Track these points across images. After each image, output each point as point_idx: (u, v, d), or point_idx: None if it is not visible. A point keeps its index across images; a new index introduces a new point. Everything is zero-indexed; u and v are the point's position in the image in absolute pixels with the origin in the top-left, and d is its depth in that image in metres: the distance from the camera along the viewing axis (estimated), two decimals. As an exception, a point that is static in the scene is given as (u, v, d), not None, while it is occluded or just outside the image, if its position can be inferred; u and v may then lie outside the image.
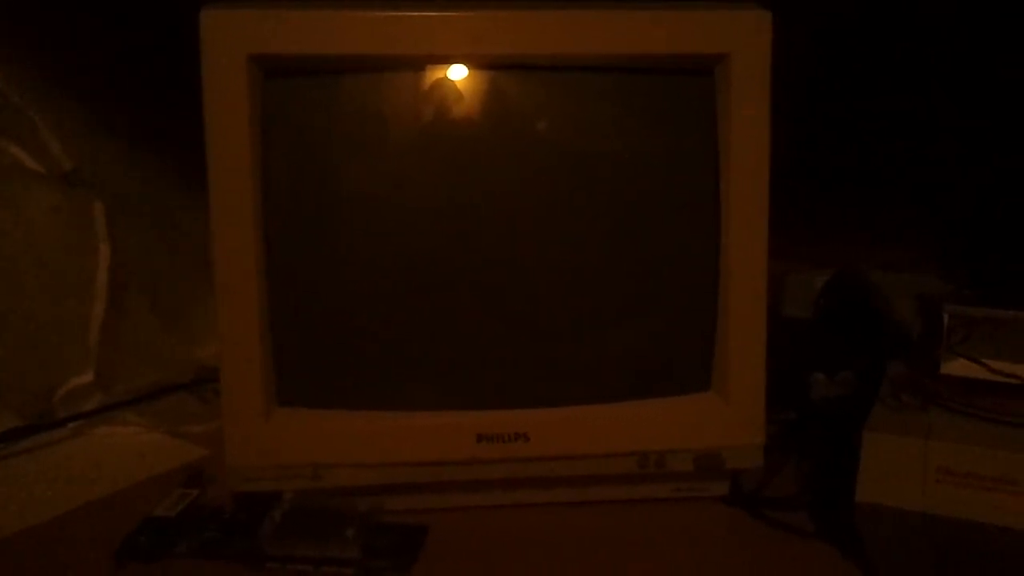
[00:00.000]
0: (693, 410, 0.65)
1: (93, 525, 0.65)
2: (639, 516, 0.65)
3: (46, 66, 0.81)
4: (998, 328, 0.61)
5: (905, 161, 0.85)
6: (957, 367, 0.60)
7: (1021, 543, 0.52)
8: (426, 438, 0.63)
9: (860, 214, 0.86)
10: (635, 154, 0.63)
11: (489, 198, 0.63)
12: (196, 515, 0.64)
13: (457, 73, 0.61)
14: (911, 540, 0.55)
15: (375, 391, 0.64)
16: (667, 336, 0.65)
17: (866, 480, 0.55)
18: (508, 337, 0.64)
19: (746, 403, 0.64)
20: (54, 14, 0.80)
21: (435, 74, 0.61)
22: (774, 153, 0.61)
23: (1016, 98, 0.80)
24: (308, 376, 0.64)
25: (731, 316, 0.63)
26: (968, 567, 0.54)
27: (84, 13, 0.81)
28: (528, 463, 0.64)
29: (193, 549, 0.60)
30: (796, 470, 0.70)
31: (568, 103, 0.63)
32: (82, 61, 0.82)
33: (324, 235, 0.62)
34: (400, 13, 0.59)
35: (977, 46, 0.80)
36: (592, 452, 0.64)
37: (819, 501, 0.65)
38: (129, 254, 0.85)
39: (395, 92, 0.61)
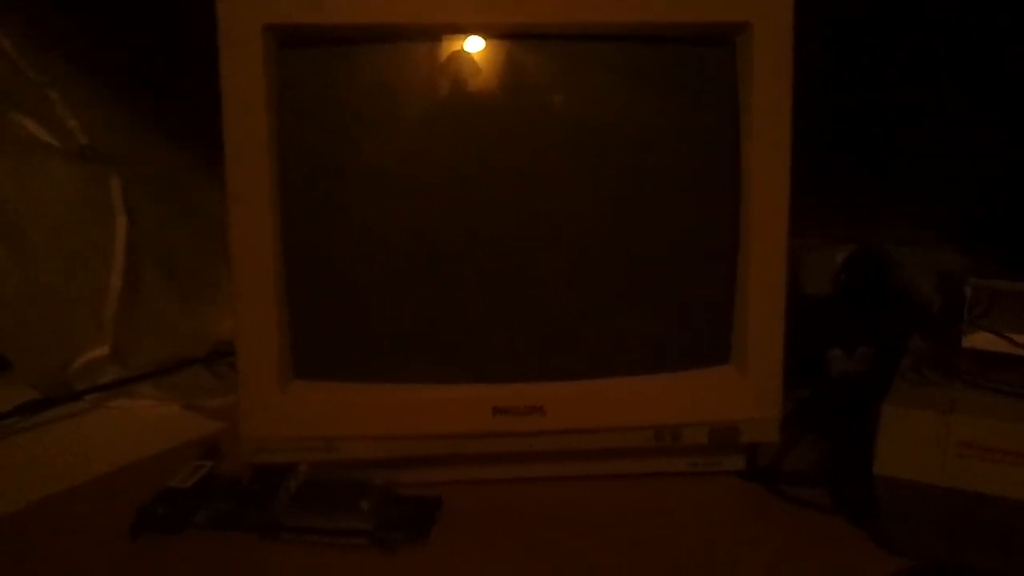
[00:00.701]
0: (710, 383, 0.64)
1: (109, 496, 0.65)
2: (655, 490, 0.65)
3: (63, 41, 0.81)
4: (1020, 301, 0.60)
5: (924, 135, 0.84)
6: (979, 340, 0.60)
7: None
8: (442, 411, 0.63)
9: (878, 189, 0.85)
10: (654, 126, 0.63)
11: (506, 171, 0.63)
12: (212, 486, 0.64)
13: (473, 44, 0.60)
14: (930, 514, 0.54)
15: (391, 364, 0.64)
16: (685, 309, 0.65)
17: (885, 454, 0.55)
18: (524, 310, 0.64)
19: (764, 377, 0.64)
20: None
21: (451, 44, 0.60)
22: (793, 129, 0.61)
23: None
24: (323, 349, 0.64)
25: (750, 289, 0.63)
26: (987, 541, 0.54)
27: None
28: (544, 436, 0.64)
29: (209, 520, 0.61)
30: (813, 446, 0.70)
31: (586, 74, 0.62)
32: (99, 36, 0.82)
33: (340, 207, 0.62)
34: (417, -19, 0.58)
35: (992, 23, 0.79)
36: (608, 425, 0.64)
37: (837, 475, 0.65)
38: (145, 228, 0.85)
39: (410, 63, 0.61)
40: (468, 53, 0.60)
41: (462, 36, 0.60)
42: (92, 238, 0.83)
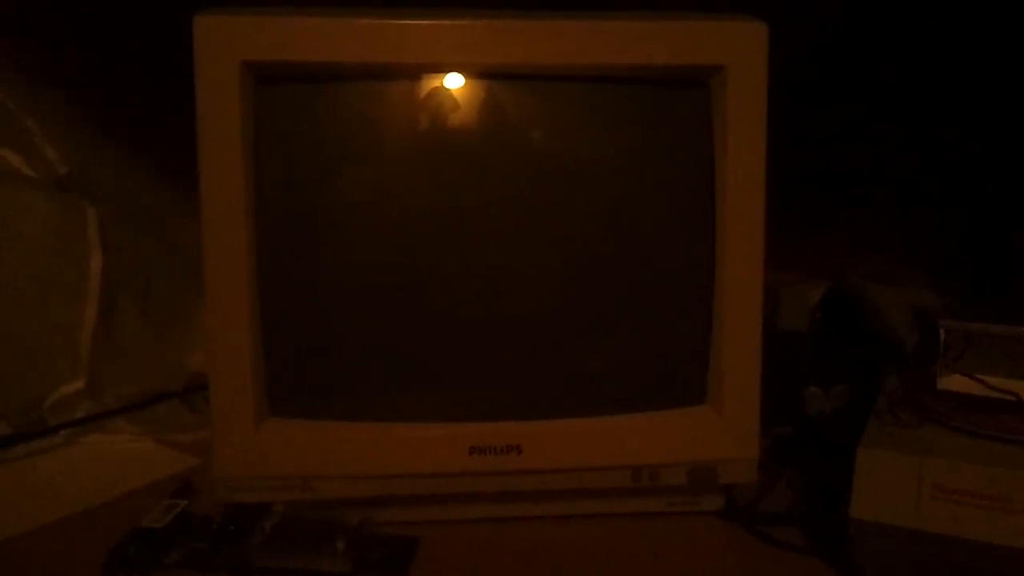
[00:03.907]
0: (687, 423, 0.64)
1: (81, 535, 0.64)
2: (632, 530, 0.65)
3: (41, 72, 0.80)
4: (995, 343, 0.60)
5: (901, 173, 0.85)
6: (954, 383, 0.60)
7: (1016, 561, 0.52)
8: (418, 450, 0.63)
9: (855, 226, 0.86)
10: (630, 165, 0.63)
11: (482, 208, 0.63)
12: (185, 526, 0.63)
13: (452, 82, 0.61)
14: (905, 557, 0.54)
15: (367, 402, 0.63)
16: (662, 349, 0.65)
17: (860, 496, 0.55)
18: (501, 348, 0.64)
19: (740, 417, 0.64)
20: (50, 20, 0.80)
21: (430, 83, 0.61)
22: (768, 164, 0.61)
23: (1010, 110, 0.80)
24: (299, 386, 0.63)
25: (726, 329, 0.63)
26: (963, 585, 0.54)
27: (80, 19, 0.81)
28: (520, 476, 0.63)
29: (182, 560, 0.60)
30: (790, 485, 0.70)
31: (564, 113, 0.62)
32: (78, 67, 0.82)
33: (316, 244, 0.62)
34: (396, 21, 0.58)
35: (971, 58, 0.80)
36: (585, 465, 0.63)
37: (813, 516, 0.65)
38: (121, 261, 0.84)
39: (389, 100, 0.61)
40: (447, 90, 0.61)
41: (441, 74, 0.60)
42: (68, 270, 0.82)
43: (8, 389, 0.81)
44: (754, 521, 0.65)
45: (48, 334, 0.82)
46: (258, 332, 0.61)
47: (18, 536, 0.64)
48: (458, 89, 0.61)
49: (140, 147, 0.85)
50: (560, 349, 0.64)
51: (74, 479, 0.74)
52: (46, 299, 0.82)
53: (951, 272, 0.76)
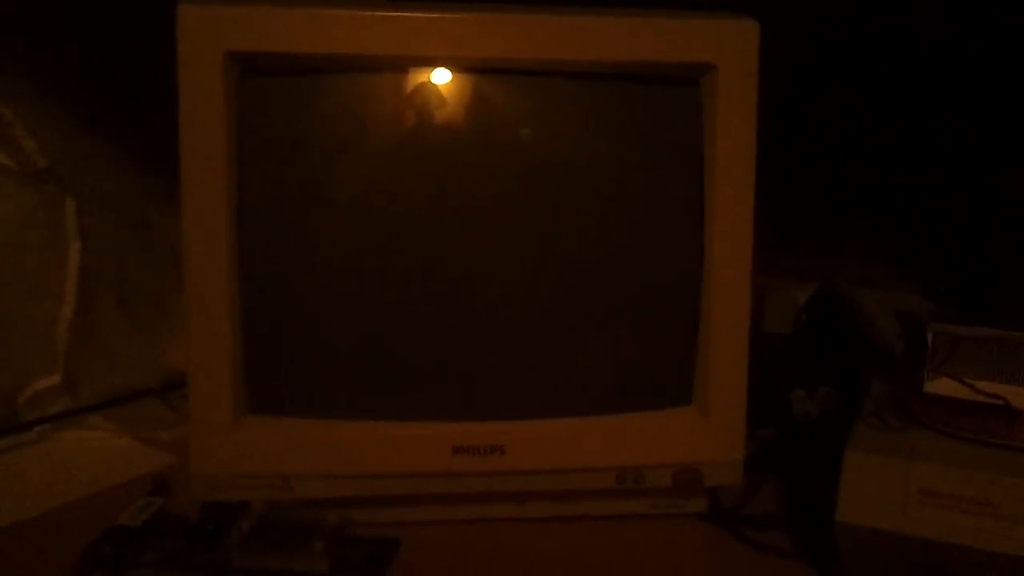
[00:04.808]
0: (673, 425, 0.64)
1: (55, 533, 0.64)
2: (616, 532, 0.65)
3: (21, 62, 0.79)
4: (982, 347, 0.60)
5: (889, 177, 0.84)
6: (941, 387, 0.60)
7: (1000, 567, 0.52)
8: (400, 449, 0.62)
9: (842, 229, 0.86)
10: (619, 163, 0.63)
11: (469, 205, 0.62)
12: (161, 525, 0.62)
13: (439, 76, 0.60)
14: (891, 561, 0.54)
15: (348, 400, 0.62)
16: (648, 350, 0.64)
17: (846, 500, 0.54)
18: (486, 347, 0.63)
19: (726, 418, 0.63)
20: (30, 11, 0.79)
21: (417, 76, 0.60)
22: (758, 165, 0.61)
23: (995, 117, 0.80)
24: (279, 383, 0.62)
25: (713, 330, 0.62)
26: (948, 590, 0.53)
27: (61, 11, 0.80)
28: (504, 476, 0.63)
29: (157, 560, 0.59)
30: (775, 488, 0.70)
31: (552, 109, 0.62)
32: (58, 57, 0.81)
33: (299, 239, 0.61)
34: (383, 13, 0.58)
35: (959, 68, 0.80)
36: (569, 466, 0.63)
37: (798, 520, 0.65)
38: (100, 254, 0.83)
39: (376, 94, 0.60)
40: (434, 85, 0.60)
41: (428, 68, 0.60)
42: (45, 263, 0.81)
43: (-18, 383, 0.80)
44: (739, 524, 0.65)
45: (24, 327, 0.80)
46: (238, 328, 0.60)
47: (-10, 533, 0.63)
48: (446, 84, 0.60)
49: (121, 139, 0.84)
50: (545, 349, 0.63)
51: (49, 476, 0.73)
52: (23, 292, 0.80)
53: (939, 276, 0.76)
